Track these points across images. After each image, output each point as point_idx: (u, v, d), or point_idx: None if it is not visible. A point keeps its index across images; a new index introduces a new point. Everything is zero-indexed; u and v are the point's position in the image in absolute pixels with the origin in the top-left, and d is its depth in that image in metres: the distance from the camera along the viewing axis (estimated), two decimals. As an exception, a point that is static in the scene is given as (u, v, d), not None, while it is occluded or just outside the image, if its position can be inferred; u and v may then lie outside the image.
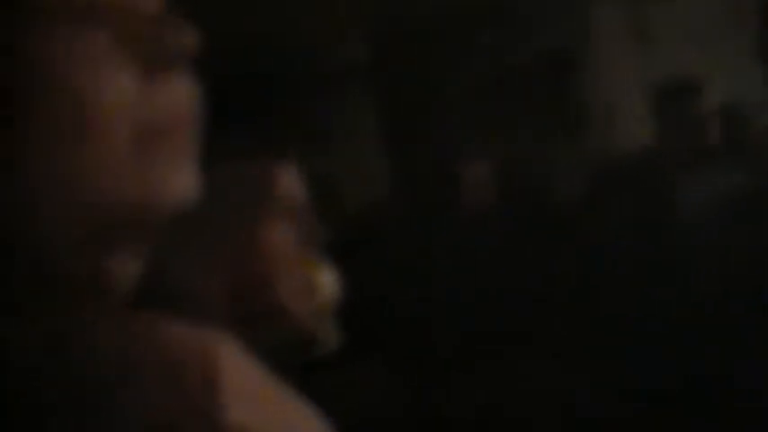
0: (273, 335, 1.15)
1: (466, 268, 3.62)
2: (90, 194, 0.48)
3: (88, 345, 0.45)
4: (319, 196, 1.25)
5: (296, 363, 1.16)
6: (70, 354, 0.44)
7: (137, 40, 0.50)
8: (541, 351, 3.40)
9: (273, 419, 0.48)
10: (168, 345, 0.46)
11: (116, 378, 0.44)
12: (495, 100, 12.23)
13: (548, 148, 7.29)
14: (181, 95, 0.52)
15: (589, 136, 11.30)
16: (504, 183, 5.05)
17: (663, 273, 3.01)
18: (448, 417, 3.37)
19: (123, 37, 0.49)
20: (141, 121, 0.50)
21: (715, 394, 2.82)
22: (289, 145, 1.24)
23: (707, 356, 2.84)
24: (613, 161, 4.90)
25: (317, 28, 10.54)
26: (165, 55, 0.50)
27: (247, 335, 1.12)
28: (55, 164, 0.47)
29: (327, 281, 1.20)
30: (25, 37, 0.47)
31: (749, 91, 4.71)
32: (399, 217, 5.10)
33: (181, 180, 0.52)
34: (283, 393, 0.51)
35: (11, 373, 0.44)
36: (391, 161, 11.26)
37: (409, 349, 3.42)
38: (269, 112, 8.36)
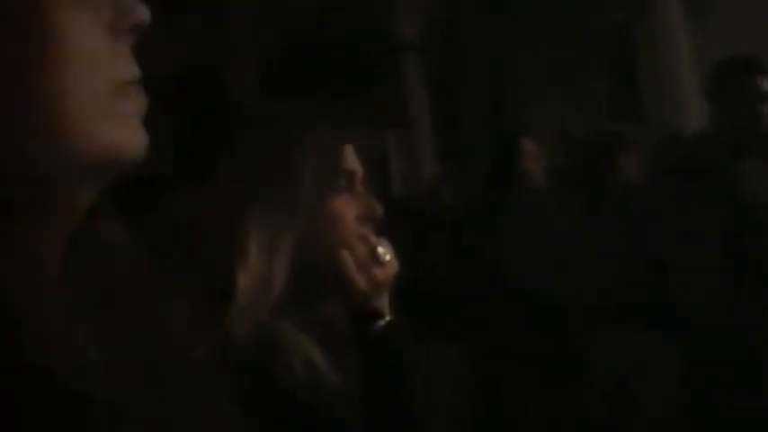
0: (339, 305, 1.18)
1: (523, 245, 3.61)
2: (70, 139, 0.55)
3: None
4: (372, 173, 1.28)
5: (357, 333, 1.18)
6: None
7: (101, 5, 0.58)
8: (605, 327, 3.41)
9: None
10: None
11: None
12: (556, 78, 12.09)
13: (606, 127, 7.23)
14: (132, 63, 0.60)
15: (648, 117, 11.14)
16: (565, 158, 5.01)
17: (721, 260, 2.98)
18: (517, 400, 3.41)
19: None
20: (111, 79, 0.57)
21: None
22: (350, 120, 1.26)
23: None
24: (672, 144, 4.84)
25: (377, 6, 10.54)
26: (124, 22, 0.58)
27: (314, 304, 1.16)
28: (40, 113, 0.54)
29: (385, 255, 1.22)
30: None
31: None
32: (450, 197, 5.10)
33: (139, 137, 0.59)
34: None
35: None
36: (442, 140, 11.24)
37: (467, 327, 3.43)
38: (327, 86, 8.40)
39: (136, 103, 0.59)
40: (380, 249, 1.21)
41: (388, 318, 1.21)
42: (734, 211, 2.98)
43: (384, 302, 1.22)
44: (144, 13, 0.59)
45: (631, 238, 3.43)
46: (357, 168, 1.21)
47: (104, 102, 0.56)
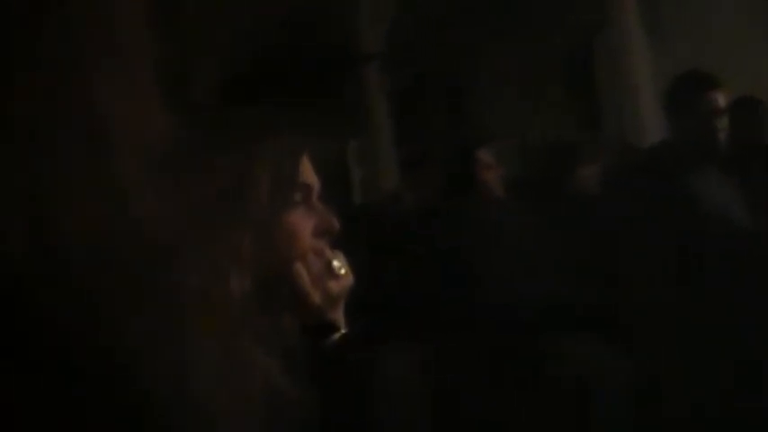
0: (293, 319, 1.18)
1: (480, 254, 3.63)
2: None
3: None
4: (332, 181, 1.27)
5: (312, 347, 1.18)
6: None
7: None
8: (563, 333, 3.44)
9: None
10: None
11: None
12: (515, 89, 12.17)
13: (564, 137, 7.28)
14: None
15: (605, 128, 11.26)
16: (520, 169, 5.05)
17: (671, 268, 3.02)
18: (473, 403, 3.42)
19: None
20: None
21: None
22: (308, 130, 1.25)
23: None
24: (628, 154, 4.89)
25: (338, 14, 10.55)
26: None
27: (270, 318, 1.15)
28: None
29: (341, 269, 1.22)
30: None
31: (761, 89, 4.70)
32: (411, 204, 5.11)
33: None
34: None
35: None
36: (402, 148, 11.26)
37: (427, 334, 3.44)
38: (287, 92, 8.37)
39: None
40: (336, 263, 1.21)
41: (343, 330, 1.21)
42: (689, 222, 3.02)
43: (339, 315, 1.22)
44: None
45: (589, 247, 3.47)
46: (313, 182, 1.21)
47: None
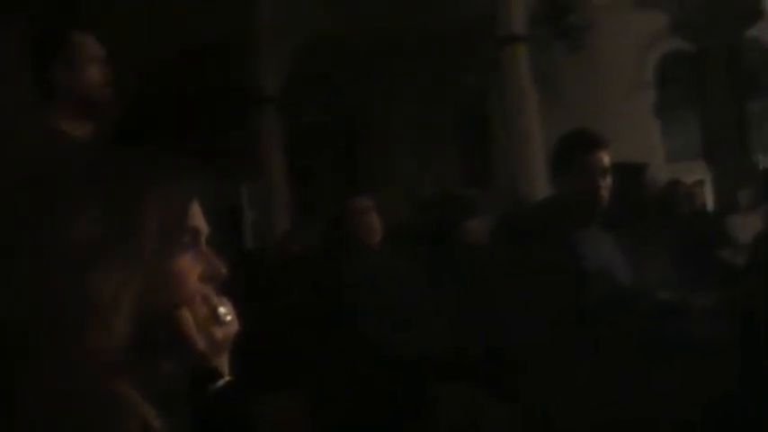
0: (176, 365, 1.16)
1: (362, 302, 3.65)
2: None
3: None
4: (223, 228, 1.27)
5: (195, 394, 1.17)
6: None
7: None
8: (445, 382, 3.47)
9: None
10: None
11: None
12: (408, 142, 12.29)
13: (454, 190, 7.39)
14: None
15: (496, 183, 11.47)
16: (406, 218, 5.11)
17: (553, 320, 3.09)
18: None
19: None
20: None
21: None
22: (200, 174, 1.24)
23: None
24: (516, 209, 4.99)
25: (235, 58, 10.52)
26: None
27: (151, 364, 1.13)
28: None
29: (226, 315, 1.21)
30: None
31: (646, 150, 4.88)
32: (303, 251, 5.10)
33: None
34: None
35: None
36: (296, 195, 11.26)
37: (310, 383, 3.42)
38: (181, 135, 8.29)
39: None
40: (222, 309, 1.20)
41: (227, 378, 1.20)
42: (571, 277, 3.10)
43: (223, 362, 1.21)
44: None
45: (474, 298, 3.52)
46: (202, 226, 1.20)
47: None
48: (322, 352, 3.50)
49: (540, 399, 3.10)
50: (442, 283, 3.79)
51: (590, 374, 3.00)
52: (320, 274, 3.84)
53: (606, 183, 3.24)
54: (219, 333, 1.19)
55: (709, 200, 10.11)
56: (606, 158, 3.25)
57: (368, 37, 10.59)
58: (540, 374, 3.07)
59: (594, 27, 13.41)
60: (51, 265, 1.06)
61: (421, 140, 12.43)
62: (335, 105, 11.99)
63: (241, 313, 1.25)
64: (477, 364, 3.43)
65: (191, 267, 1.17)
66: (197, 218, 1.20)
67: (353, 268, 3.80)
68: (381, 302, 3.64)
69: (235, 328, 1.22)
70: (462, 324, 3.57)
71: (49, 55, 2.67)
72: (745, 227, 6.61)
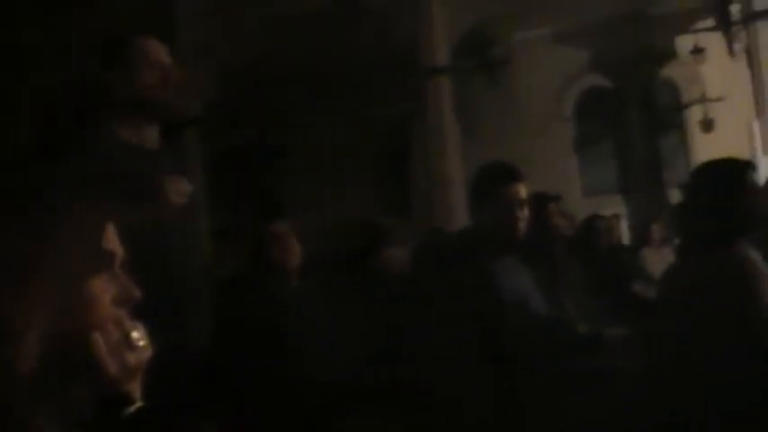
0: (86, 390, 1.14)
1: (281, 326, 3.65)
2: None
3: None
4: (140, 251, 1.25)
5: (105, 419, 1.15)
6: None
7: None
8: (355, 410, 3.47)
9: None
10: None
11: None
12: (327, 171, 12.30)
13: (372, 219, 7.40)
14: None
15: (415, 213, 11.52)
16: (324, 246, 5.11)
17: (473, 351, 3.11)
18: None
19: None
20: None
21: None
22: (117, 198, 1.23)
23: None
24: (434, 238, 5.03)
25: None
26: None
27: (61, 388, 1.11)
28: None
29: (139, 340, 1.20)
30: None
31: (564, 184, 4.98)
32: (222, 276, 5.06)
33: None
34: None
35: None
36: (215, 217, 11.16)
37: (225, 410, 3.39)
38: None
39: None
40: (135, 334, 1.18)
41: (138, 403, 1.18)
42: (487, 306, 3.13)
43: (136, 387, 1.19)
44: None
45: (388, 327, 3.54)
46: (117, 249, 1.19)
47: None
48: (237, 378, 3.47)
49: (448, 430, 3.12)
50: (356, 310, 3.81)
51: (503, 406, 3.03)
52: (238, 299, 3.81)
53: (523, 214, 3.29)
54: (132, 358, 1.17)
55: (624, 234, 10.35)
56: (523, 191, 3.31)
57: (287, 64, 10.60)
58: (451, 405, 3.09)
59: (516, 61, 13.65)
60: None
61: (340, 169, 12.46)
62: (255, 132, 11.95)
63: (154, 339, 1.23)
64: (386, 392, 3.44)
65: (104, 291, 1.15)
66: (112, 240, 1.19)
67: (271, 293, 3.79)
68: (296, 328, 3.64)
69: (147, 353, 1.21)
70: (373, 352, 3.59)
71: (109, 57, 2.70)
72: (657, 260, 6.79)
